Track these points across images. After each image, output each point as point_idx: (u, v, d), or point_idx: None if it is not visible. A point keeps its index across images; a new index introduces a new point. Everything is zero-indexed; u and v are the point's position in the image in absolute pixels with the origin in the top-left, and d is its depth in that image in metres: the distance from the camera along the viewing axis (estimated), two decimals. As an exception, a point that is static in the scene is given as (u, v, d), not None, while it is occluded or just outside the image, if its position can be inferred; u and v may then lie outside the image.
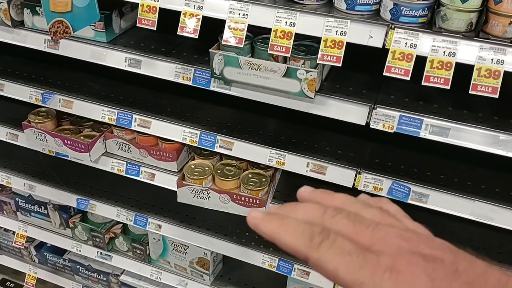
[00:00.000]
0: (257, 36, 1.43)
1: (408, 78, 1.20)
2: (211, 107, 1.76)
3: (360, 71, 1.57)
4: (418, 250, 0.40)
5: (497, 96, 1.15)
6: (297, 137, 1.64)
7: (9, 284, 2.64)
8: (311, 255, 0.42)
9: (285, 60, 1.39)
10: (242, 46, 1.34)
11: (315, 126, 1.69)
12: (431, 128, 1.32)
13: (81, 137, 1.83)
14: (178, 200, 1.67)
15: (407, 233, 0.43)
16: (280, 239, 0.43)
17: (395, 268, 0.39)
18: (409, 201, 1.46)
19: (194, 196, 1.64)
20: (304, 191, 0.50)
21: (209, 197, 1.63)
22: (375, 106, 1.36)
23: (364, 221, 0.43)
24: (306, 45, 1.41)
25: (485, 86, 1.16)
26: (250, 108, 1.74)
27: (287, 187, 1.78)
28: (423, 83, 1.19)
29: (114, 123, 1.71)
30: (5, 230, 2.45)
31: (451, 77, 1.17)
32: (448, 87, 1.17)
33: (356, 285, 0.39)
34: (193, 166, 1.69)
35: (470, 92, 1.16)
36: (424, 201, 1.45)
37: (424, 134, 1.33)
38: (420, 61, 1.21)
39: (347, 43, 1.26)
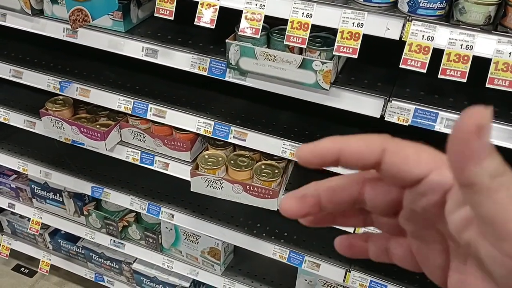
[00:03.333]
0: (274, 27, 1.44)
1: (425, 71, 1.20)
2: (226, 98, 1.77)
3: (376, 64, 1.56)
4: None
5: (513, 90, 1.14)
6: (311, 129, 1.65)
7: (24, 270, 2.69)
8: (388, 145, 0.33)
9: (301, 51, 1.40)
10: (258, 36, 1.35)
11: (329, 119, 1.69)
12: (446, 122, 1.32)
13: (97, 126, 1.85)
14: (191, 189, 1.69)
15: None
16: (346, 148, 0.34)
17: None
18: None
19: (207, 185, 1.66)
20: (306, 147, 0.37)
21: (222, 187, 1.64)
22: (390, 99, 1.36)
23: None
24: (322, 37, 1.41)
25: (503, 80, 1.15)
26: (264, 100, 1.75)
27: (300, 179, 1.78)
28: (439, 76, 1.19)
29: (130, 112, 1.74)
30: (21, 216, 2.50)
31: (467, 70, 1.17)
32: (465, 80, 1.17)
33: None
34: (206, 156, 1.70)
35: (487, 85, 1.16)
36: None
37: (439, 127, 1.33)
38: (436, 55, 1.21)
39: (364, 35, 1.26)
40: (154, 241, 2.16)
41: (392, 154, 0.33)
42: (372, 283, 1.75)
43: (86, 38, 1.64)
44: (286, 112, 1.73)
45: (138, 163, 1.86)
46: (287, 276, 2.04)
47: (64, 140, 1.95)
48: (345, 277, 1.78)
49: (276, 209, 1.65)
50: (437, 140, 1.49)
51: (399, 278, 1.74)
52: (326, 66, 1.32)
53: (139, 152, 1.84)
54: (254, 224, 1.95)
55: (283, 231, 1.92)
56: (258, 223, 1.95)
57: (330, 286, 1.89)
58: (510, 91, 1.15)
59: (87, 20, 1.34)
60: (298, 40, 1.31)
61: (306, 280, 1.92)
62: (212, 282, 2.12)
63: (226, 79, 1.51)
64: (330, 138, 0.35)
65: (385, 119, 1.37)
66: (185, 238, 2.08)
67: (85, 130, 1.82)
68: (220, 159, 1.69)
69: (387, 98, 1.36)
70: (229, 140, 1.64)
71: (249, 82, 1.49)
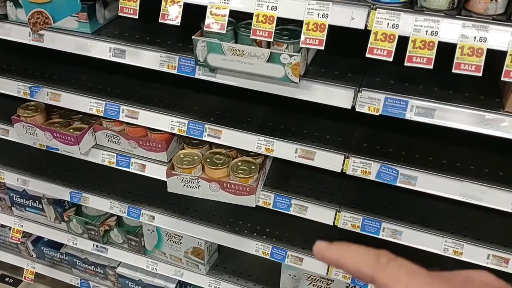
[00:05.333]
0: (240, 21, 1.42)
1: (391, 59, 1.19)
2: (199, 95, 1.75)
3: (347, 55, 1.55)
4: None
5: (480, 74, 1.14)
6: (285, 123, 1.63)
7: (8, 280, 2.65)
8: (377, 274, 0.41)
9: (268, 45, 1.38)
10: (224, 32, 1.33)
11: (303, 112, 1.68)
12: (417, 110, 1.31)
13: (71, 130, 1.82)
14: (168, 190, 1.67)
15: None
16: (346, 261, 0.45)
17: None
18: (398, 184, 1.46)
19: (184, 185, 1.64)
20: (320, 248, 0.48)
21: (199, 186, 1.63)
22: (360, 89, 1.35)
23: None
24: (290, 29, 1.39)
25: (469, 65, 1.15)
26: (238, 96, 1.73)
27: (278, 174, 1.77)
28: (406, 64, 1.18)
29: (102, 114, 1.71)
30: (2, 226, 2.46)
31: (433, 57, 1.16)
32: (431, 67, 1.16)
33: None
34: (182, 156, 1.68)
35: (453, 71, 1.15)
36: (412, 184, 1.45)
37: (409, 115, 1.32)
38: (405, 43, 1.19)
39: (330, 26, 1.25)
40: (137, 244, 2.13)
41: (380, 286, 0.41)
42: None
43: (53, 41, 1.61)
44: (260, 107, 1.71)
45: (114, 165, 1.83)
46: (272, 272, 2.03)
47: (38, 146, 1.92)
48: (328, 269, 1.78)
49: (254, 206, 1.64)
50: (409, 128, 1.47)
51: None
52: (294, 59, 1.31)
53: (115, 154, 1.82)
54: (236, 222, 1.93)
55: (265, 227, 1.91)
56: (239, 221, 1.94)
57: (314, 280, 1.88)
58: (477, 75, 1.14)
59: (48, 23, 1.31)
60: (264, 33, 1.29)
61: (290, 275, 1.91)
62: (198, 282, 2.11)
63: (196, 76, 1.49)
64: (334, 249, 0.46)
65: (356, 109, 1.36)
66: (168, 240, 2.06)
67: (58, 135, 1.79)
68: (196, 158, 1.67)
69: (357, 89, 1.35)
70: (204, 138, 1.62)
71: (219, 79, 1.47)
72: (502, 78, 1.13)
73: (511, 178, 1.41)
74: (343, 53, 1.56)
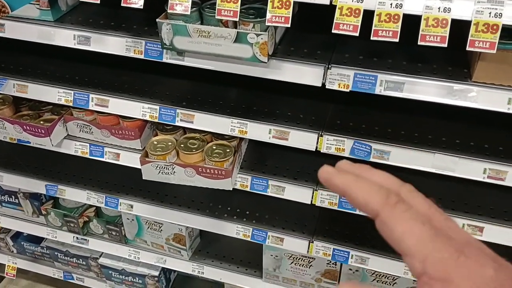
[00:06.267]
0: (205, 2, 1.39)
1: (357, 34, 1.18)
2: (169, 80, 1.72)
3: (316, 32, 1.54)
4: (486, 251, 0.40)
5: (445, 45, 1.13)
6: (258, 104, 1.62)
7: (-10, 277, 2.62)
8: (382, 211, 0.40)
9: (235, 25, 1.35)
10: (189, 13, 1.30)
11: (276, 92, 1.67)
12: (386, 84, 1.31)
13: (41, 122, 1.78)
14: (143, 178, 1.65)
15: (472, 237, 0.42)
16: (354, 192, 0.43)
17: (464, 253, 0.37)
18: (371, 159, 1.46)
19: (159, 172, 1.62)
20: (344, 164, 0.48)
21: (174, 172, 1.61)
22: (330, 66, 1.34)
23: (436, 207, 0.42)
24: (256, 8, 1.37)
25: (434, 36, 1.14)
26: (209, 79, 1.71)
27: (255, 156, 1.77)
28: (372, 38, 1.17)
29: (71, 104, 1.67)
30: (-21, 223, 2.41)
31: (399, 30, 1.15)
32: (397, 40, 1.16)
33: (417, 257, 0.38)
34: (155, 142, 1.66)
35: (419, 43, 1.15)
36: (385, 158, 1.45)
37: (379, 90, 1.32)
38: (372, 17, 1.18)
39: (297, 3, 1.23)
40: (118, 234, 2.12)
41: (382, 223, 0.41)
42: (335, 251, 1.76)
43: (14, 31, 1.56)
44: (232, 89, 1.69)
45: (88, 156, 1.80)
46: (254, 254, 2.04)
47: (9, 140, 1.87)
48: (308, 248, 1.79)
49: (231, 189, 1.63)
50: (381, 104, 1.47)
51: (361, 243, 1.76)
52: (261, 38, 1.29)
53: (88, 144, 1.78)
54: (215, 206, 1.93)
55: (244, 210, 1.91)
56: (219, 205, 1.93)
57: (296, 259, 1.90)
58: (443, 46, 1.14)
59: (5, 12, 1.27)
60: (230, 13, 1.26)
61: (272, 255, 1.92)
62: (181, 268, 2.11)
63: (164, 60, 1.46)
64: (342, 176, 0.44)
65: (326, 86, 1.35)
66: (148, 227, 2.05)
67: (28, 128, 1.75)
68: (170, 143, 1.65)
69: (327, 66, 1.34)
70: (177, 124, 1.60)
71: (187, 62, 1.44)
72: (467, 48, 1.13)
73: (482, 147, 1.42)
74: (312, 31, 1.54)
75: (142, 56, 1.46)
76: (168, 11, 1.32)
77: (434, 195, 1.56)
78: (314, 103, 1.64)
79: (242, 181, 1.68)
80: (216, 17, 1.28)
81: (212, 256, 2.11)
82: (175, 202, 1.94)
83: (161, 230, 2.03)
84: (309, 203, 1.65)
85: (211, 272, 2.07)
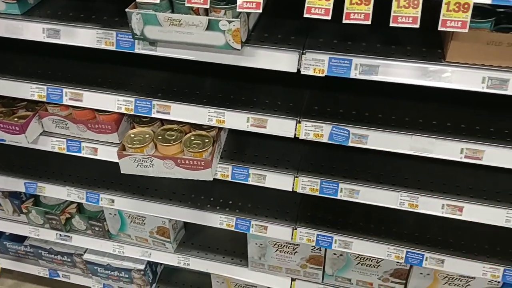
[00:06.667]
0: (175, -10, 1.36)
1: (329, 17, 1.16)
2: (144, 72, 1.69)
3: (290, 17, 1.52)
4: None
5: (417, 26, 1.13)
6: (235, 93, 1.60)
7: (-25, 278, 2.58)
8: None
9: (207, 12, 1.33)
10: (158, 1, 1.27)
11: (252, 80, 1.65)
12: (361, 68, 1.30)
13: (15, 119, 1.74)
14: (121, 172, 1.63)
15: None
16: None
17: None
18: (350, 144, 1.46)
19: (138, 165, 1.60)
20: None
21: (152, 164, 1.59)
22: (304, 51, 1.33)
23: None
24: (227, -5, 1.35)
25: (406, 17, 1.13)
26: (185, 69, 1.69)
27: (234, 145, 1.75)
28: (344, 21, 1.16)
29: (45, 100, 1.64)
30: (-41, 224, 2.37)
31: (371, 12, 1.14)
32: (369, 22, 1.14)
33: None
34: (132, 135, 1.64)
35: (391, 24, 1.14)
36: (364, 142, 1.45)
37: (354, 74, 1.31)
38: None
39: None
40: (101, 229, 2.10)
41: None
42: (319, 236, 1.77)
43: (-19, 26, 1.51)
44: (208, 79, 1.67)
45: (65, 152, 1.77)
46: (239, 243, 2.03)
47: (-17, 139, 1.83)
48: (292, 234, 1.79)
49: (211, 179, 1.62)
50: (359, 87, 1.45)
51: (344, 228, 1.76)
52: (234, 25, 1.27)
53: (64, 140, 1.75)
54: (198, 197, 1.92)
55: (227, 200, 1.90)
56: (201, 196, 1.92)
57: (280, 246, 1.90)
58: (415, 27, 1.13)
59: (-33, 5, 1.22)
60: (200, 0, 1.24)
61: (256, 243, 1.92)
62: (167, 261, 2.10)
63: (136, 51, 1.43)
64: None
65: (302, 72, 1.34)
66: (131, 221, 2.04)
67: (1, 125, 1.71)
68: (147, 136, 1.63)
69: (301, 51, 1.33)
70: (153, 115, 1.58)
71: (160, 52, 1.42)
72: (440, 28, 1.12)
73: (459, 128, 1.43)
74: (286, 16, 1.53)
75: (113, 48, 1.43)
76: (137, 1, 1.29)
77: (413, 176, 1.56)
78: (291, 89, 1.62)
79: (223, 171, 1.67)
80: (186, 5, 1.25)
81: (197, 247, 2.11)
82: (156, 195, 1.93)
83: (144, 223, 2.01)
84: (291, 190, 1.64)
85: (197, 263, 2.06)
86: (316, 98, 1.59)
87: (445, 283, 1.78)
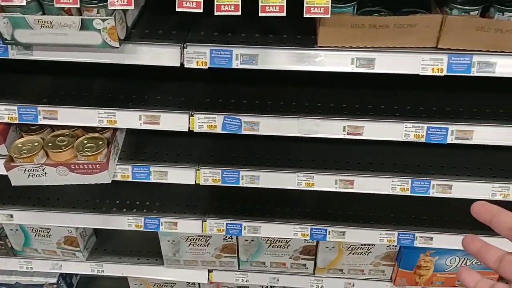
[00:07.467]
0: (44, -9, 1.31)
1: (201, 11, 1.19)
2: (28, 78, 1.62)
3: (173, 14, 1.52)
4: None
5: (284, 14, 1.18)
6: (125, 92, 1.58)
7: None
8: None
9: (80, 12, 1.30)
10: (25, 4, 1.22)
11: (142, 78, 1.64)
12: (242, 57, 1.34)
13: None
14: (12, 184, 1.56)
15: None
16: None
17: None
18: (243, 132, 1.50)
19: (29, 175, 1.53)
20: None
21: (45, 173, 1.53)
22: (185, 45, 1.34)
23: None
24: (100, -7, 1.32)
25: (273, 6, 1.19)
26: (71, 72, 1.64)
27: (133, 144, 1.73)
28: (260, 14, 1.16)
29: None
30: None
31: (239, 3, 1.18)
32: (239, 13, 1.18)
33: None
34: (20, 145, 1.56)
35: (260, 14, 1.18)
36: (256, 129, 1.50)
37: (236, 64, 1.35)
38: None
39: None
40: (3, 247, 1.98)
41: None
42: (228, 225, 1.81)
43: None
44: (96, 80, 1.63)
45: None
46: (152, 243, 2.01)
47: None
48: (202, 227, 1.81)
49: (110, 181, 1.59)
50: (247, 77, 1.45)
51: (251, 214, 1.82)
52: (108, 23, 1.25)
53: None
54: (103, 202, 1.87)
55: (134, 201, 1.88)
56: (106, 200, 1.88)
57: (193, 240, 1.91)
58: (282, 15, 1.19)
59: None
60: None
61: (169, 241, 1.92)
62: (79, 270, 2.04)
63: (11, 57, 1.36)
64: (490, 208, 0.60)
65: (185, 66, 1.35)
66: (36, 235, 1.94)
67: None
68: (36, 144, 1.56)
69: (182, 45, 1.34)
70: (40, 122, 1.52)
71: (37, 56, 1.36)
72: (305, 15, 1.19)
73: (340, 107, 1.52)
74: (169, 12, 1.52)
75: (-16, 55, 1.35)
76: (1, 3, 1.23)
77: (307, 157, 1.64)
78: (183, 84, 1.63)
79: (123, 172, 1.64)
80: (55, 5, 1.21)
81: (111, 253, 2.06)
82: (59, 204, 1.86)
83: (50, 235, 1.93)
84: (194, 183, 1.66)
85: (111, 268, 2.02)
86: (208, 91, 1.62)
87: (350, 253, 1.90)
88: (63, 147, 1.54)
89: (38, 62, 1.39)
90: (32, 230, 1.93)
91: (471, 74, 1.31)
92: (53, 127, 1.63)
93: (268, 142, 1.71)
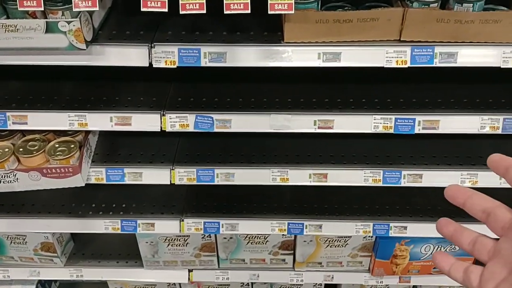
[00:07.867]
0: (8, -6, 1.30)
1: (166, 10, 1.19)
2: (-5, 83, 1.60)
3: (141, 14, 1.52)
4: None
5: (249, 11, 1.20)
6: (96, 94, 1.58)
7: None
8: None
9: (45, 15, 1.29)
10: (-13, 8, 1.21)
11: (113, 79, 1.64)
12: (210, 56, 1.36)
13: None
14: (-17, 191, 1.54)
15: None
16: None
17: None
18: (216, 130, 1.51)
19: (0, 182, 1.51)
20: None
21: (17, 178, 1.52)
22: (153, 45, 1.35)
23: None
24: (64, -5, 1.32)
25: (238, 4, 1.20)
26: (40, 76, 1.63)
27: (107, 147, 1.72)
28: (225, 12, 1.17)
29: None
30: None
31: (204, 1, 1.19)
32: (204, 11, 1.19)
33: None
34: (-10, 151, 1.55)
35: (225, 12, 1.20)
36: (228, 126, 1.52)
37: (205, 62, 1.36)
38: None
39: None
40: (-22, 257, 1.95)
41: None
42: (206, 224, 1.81)
43: None
44: (66, 83, 1.63)
45: None
46: (131, 245, 2.00)
47: None
48: (180, 226, 1.82)
49: (83, 185, 1.59)
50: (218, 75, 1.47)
51: (229, 211, 1.83)
52: (74, 25, 1.25)
53: None
54: (79, 206, 1.86)
55: (110, 204, 1.87)
56: (82, 204, 1.87)
57: (171, 240, 1.91)
58: (246, 12, 1.20)
59: None
60: (33, 3, 1.20)
61: (147, 242, 1.92)
62: (58, 276, 2.02)
63: (-24, 62, 1.35)
64: (463, 190, 0.59)
65: (154, 66, 1.36)
66: (11, 243, 1.92)
67: None
68: (7, 150, 1.55)
69: (150, 45, 1.35)
70: (9, 128, 1.50)
71: (2, 60, 1.35)
72: (269, 12, 1.21)
73: (310, 102, 1.55)
74: (137, 13, 1.52)
75: (-52, 61, 1.33)
76: (-37, 8, 1.22)
77: (281, 152, 1.66)
78: (154, 84, 1.64)
79: (97, 175, 1.64)
80: (19, 9, 1.21)
81: (89, 257, 2.05)
82: (34, 210, 1.84)
83: (26, 242, 1.91)
84: (169, 183, 1.66)
85: (90, 273, 2.01)
86: (180, 90, 1.62)
87: (327, 246, 1.92)
88: (34, 152, 1.53)
89: (5, 66, 1.38)
90: (8, 237, 1.90)
91: (434, 65, 1.34)
92: (23, 132, 1.61)
93: (242, 140, 1.72)
